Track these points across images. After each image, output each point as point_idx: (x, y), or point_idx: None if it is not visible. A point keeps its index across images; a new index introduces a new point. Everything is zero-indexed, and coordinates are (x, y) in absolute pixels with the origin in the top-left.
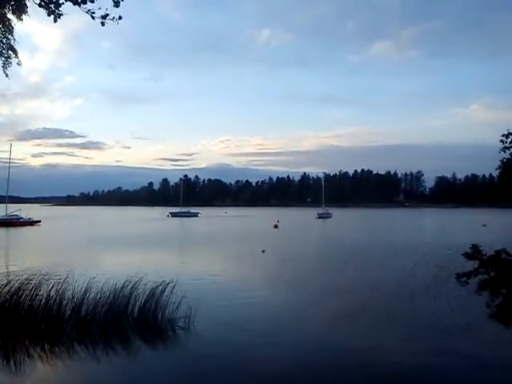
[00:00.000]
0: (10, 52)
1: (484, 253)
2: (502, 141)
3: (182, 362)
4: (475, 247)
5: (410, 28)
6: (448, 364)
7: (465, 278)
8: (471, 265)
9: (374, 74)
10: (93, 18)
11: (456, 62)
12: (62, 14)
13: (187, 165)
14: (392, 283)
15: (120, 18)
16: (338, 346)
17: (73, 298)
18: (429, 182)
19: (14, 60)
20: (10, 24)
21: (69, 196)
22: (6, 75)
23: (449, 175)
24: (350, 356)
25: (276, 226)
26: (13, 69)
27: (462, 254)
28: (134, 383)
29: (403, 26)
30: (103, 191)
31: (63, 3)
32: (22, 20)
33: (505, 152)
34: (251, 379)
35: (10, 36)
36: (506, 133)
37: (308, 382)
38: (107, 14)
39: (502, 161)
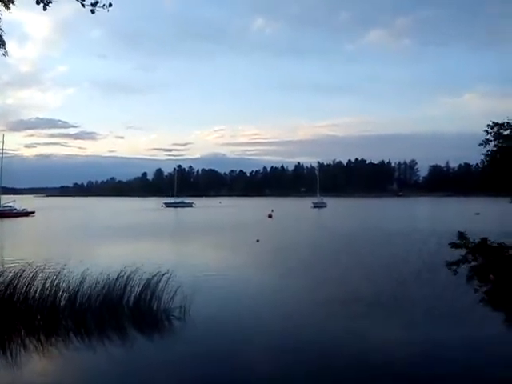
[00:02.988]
0: None
1: (472, 240)
2: (486, 131)
3: (177, 352)
4: (462, 235)
5: (403, 17)
6: (439, 349)
7: (455, 267)
8: (460, 252)
9: (369, 63)
10: (83, 5)
11: (449, 51)
12: (50, 2)
13: (181, 155)
14: (385, 271)
15: (110, 5)
16: (331, 333)
17: (68, 288)
18: (422, 171)
19: (0, 50)
20: None
21: (62, 187)
22: None
23: (442, 164)
24: (343, 343)
25: (270, 216)
26: (2, 58)
27: (449, 244)
28: (130, 373)
29: (397, 15)
30: (97, 182)
31: None
32: (9, 9)
33: (488, 144)
34: (247, 368)
35: None
36: (490, 123)
37: (303, 370)
38: (97, 1)
39: (486, 154)
